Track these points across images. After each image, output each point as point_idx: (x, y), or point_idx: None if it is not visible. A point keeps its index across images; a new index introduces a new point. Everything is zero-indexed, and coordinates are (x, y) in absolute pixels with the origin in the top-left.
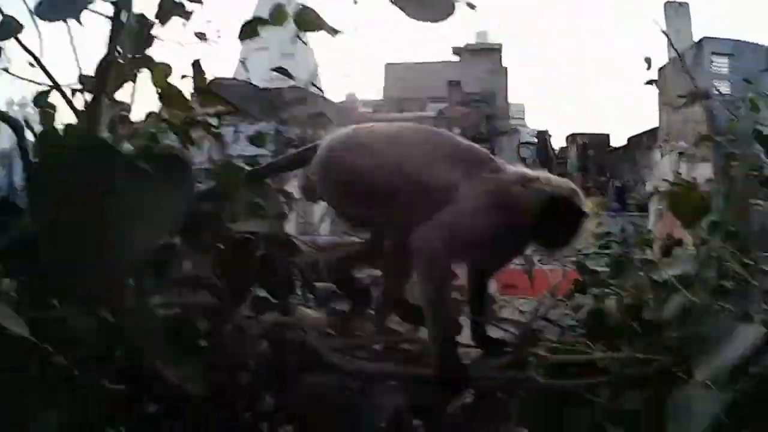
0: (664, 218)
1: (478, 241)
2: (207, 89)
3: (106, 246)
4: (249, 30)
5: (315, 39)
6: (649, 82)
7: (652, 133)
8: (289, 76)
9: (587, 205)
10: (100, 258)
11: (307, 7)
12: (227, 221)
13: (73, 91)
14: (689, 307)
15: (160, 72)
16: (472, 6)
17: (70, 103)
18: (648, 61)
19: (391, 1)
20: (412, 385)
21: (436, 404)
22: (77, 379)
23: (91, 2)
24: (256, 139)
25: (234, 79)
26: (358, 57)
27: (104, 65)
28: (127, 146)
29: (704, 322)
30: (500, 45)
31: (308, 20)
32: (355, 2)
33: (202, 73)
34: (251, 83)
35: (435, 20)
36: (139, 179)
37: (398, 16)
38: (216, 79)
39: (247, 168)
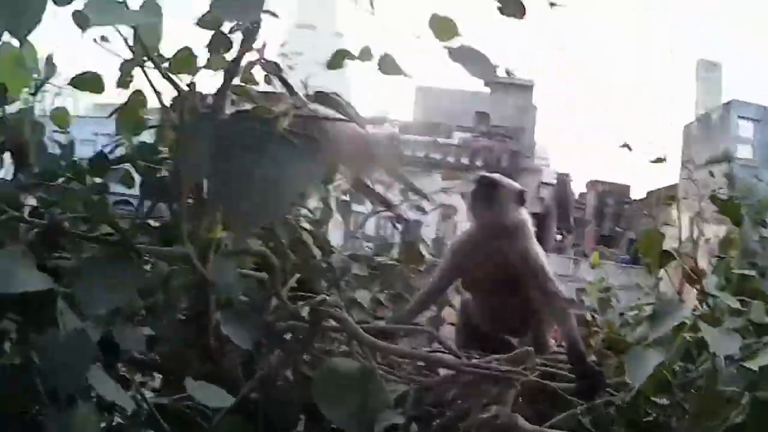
0: (673, 275)
1: None
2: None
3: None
4: (335, 61)
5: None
6: (657, 160)
7: (671, 189)
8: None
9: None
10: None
11: (389, 55)
12: None
13: None
14: None
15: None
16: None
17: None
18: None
19: (451, 59)
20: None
21: None
22: None
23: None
24: None
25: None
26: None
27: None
28: None
29: None
30: (532, 82)
31: (389, 64)
32: (418, 37)
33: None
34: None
35: (480, 77)
36: (285, 148)
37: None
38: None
39: None
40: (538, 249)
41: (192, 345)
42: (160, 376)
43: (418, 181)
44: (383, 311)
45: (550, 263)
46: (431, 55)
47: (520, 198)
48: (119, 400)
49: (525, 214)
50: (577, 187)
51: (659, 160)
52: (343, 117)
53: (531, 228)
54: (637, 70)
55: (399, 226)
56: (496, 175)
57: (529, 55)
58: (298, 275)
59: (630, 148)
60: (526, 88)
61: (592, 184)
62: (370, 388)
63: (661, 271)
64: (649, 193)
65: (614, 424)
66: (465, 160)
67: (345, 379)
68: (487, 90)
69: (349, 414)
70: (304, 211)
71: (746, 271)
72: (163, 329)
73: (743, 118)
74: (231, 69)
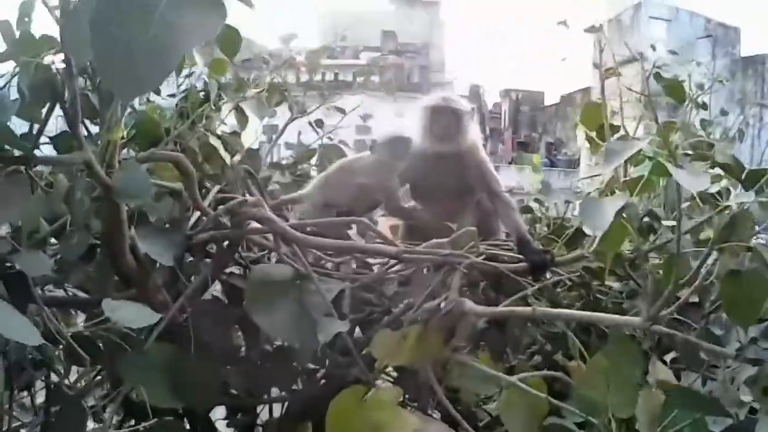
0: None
1: None
2: None
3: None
4: None
5: None
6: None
7: (585, 92)
8: None
9: None
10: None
11: None
12: None
13: None
14: None
15: None
16: None
17: None
18: (564, 23)
19: None
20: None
21: None
22: None
23: None
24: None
25: None
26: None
27: None
28: None
29: None
30: None
31: None
32: None
33: None
34: None
35: None
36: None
37: None
38: None
39: None
40: (486, 157)
41: (108, 268)
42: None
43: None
44: None
45: None
46: None
47: (473, 115)
48: (23, 335)
49: (476, 131)
50: (492, 98)
51: (593, 29)
52: None
53: (480, 139)
54: None
55: (320, 130)
56: (453, 101)
57: None
58: (218, 186)
59: (567, 26)
60: (433, 3)
61: (506, 93)
62: (305, 294)
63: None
64: (563, 98)
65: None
66: (375, 79)
67: (277, 285)
68: (392, 8)
69: (284, 323)
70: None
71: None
72: (71, 252)
73: (654, 18)
74: None
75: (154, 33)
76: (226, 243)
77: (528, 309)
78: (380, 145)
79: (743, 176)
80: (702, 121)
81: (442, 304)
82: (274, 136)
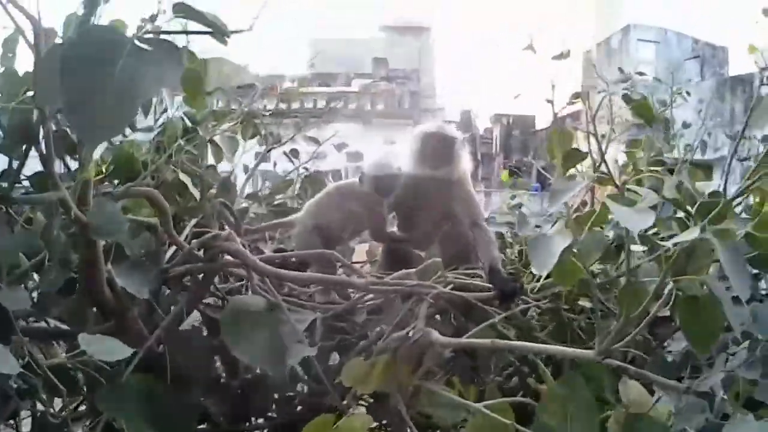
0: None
1: None
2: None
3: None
4: None
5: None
6: (560, 56)
7: (575, 115)
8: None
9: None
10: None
11: None
12: None
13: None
14: None
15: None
16: None
17: None
18: (530, 37)
19: None
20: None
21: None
22: None
23: None
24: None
25: None
26: (284, 30)
27: None
28: None
29: None
30: (429, 23)
31: None
32: None
33: None
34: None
35: None
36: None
37: None
38: None
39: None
40: (472, 188)
41: (86, 301)
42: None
43: (320, 131)
44: None
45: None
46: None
47: (465, 145)
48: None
49: (466, 158)
50: (483, 122)
51: (561, 56)
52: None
53: (469, 169)
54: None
55: (295, 160)
56: (447, 129)
57: None
58: (195, 219)
59: (534, 50)
60: (423, 29)
61: (497, 118)
62: (277, 323)
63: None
64: (554, 120)
65: (536, 330)
66: (367, 106)
67: (252, 316)
68: (383, 35)
69: (259, 351)
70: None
71: (656, 168)
72: (50, 286)
73: (643, 40)
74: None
75: (116, 82)
76: (201, 275)
77: (487, 341)
78: (367, 178)
79: (695, 209)
80: (665, 135)
81: (411, 333)
82: (250, 167)
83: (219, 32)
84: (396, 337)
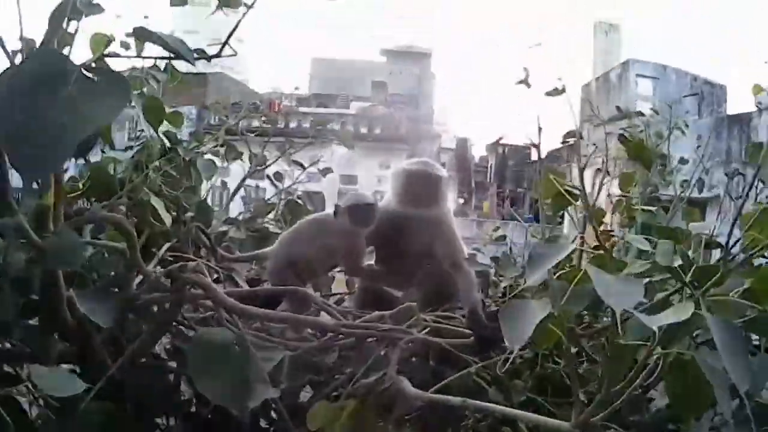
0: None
1: None
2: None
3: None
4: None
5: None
6: (554, 92)
7: (571, 148)
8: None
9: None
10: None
11: None
12: None
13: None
14: None
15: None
16: None
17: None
18: (526, 71)
19: None
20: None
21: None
22: None
23: None
24: (171, 119)
25: None
26: (284, 49)
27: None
28: None
29: None
30: (430, 50)
31: None
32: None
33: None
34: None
35: None
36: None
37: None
38: None
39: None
40: (457, 233)
41: (48, 326)
42: None
43: (316, 153)
44: None
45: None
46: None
47: (449, 183)
48: None
49: (451, 197)
50: (479, 151)
51: (555, 92)
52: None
53: (452, 209)
54: (534, 32)
55: (279, 184)
56: (433, 167)
57: (428, 22)
58: (169, 243)
59: (528, 85)
60: (424, 55)
61: (493, 147)
62: (243, 360)
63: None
64: (549, 154)
65: (515, 378)
66: (364, 130)
67: (218, 350)
68: (384, 59)
69: (221, 388)
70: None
71: (649, 207)
72: (8, 313)
73: (642, 76)
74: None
75: (57, 115)
76: (168, 305)
77: (458, 399)
78: (342, 209)
79: (689, 276)
80: (661, 171)
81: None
82: (230, 190)
83: (182, 57)
84: (365, 383)
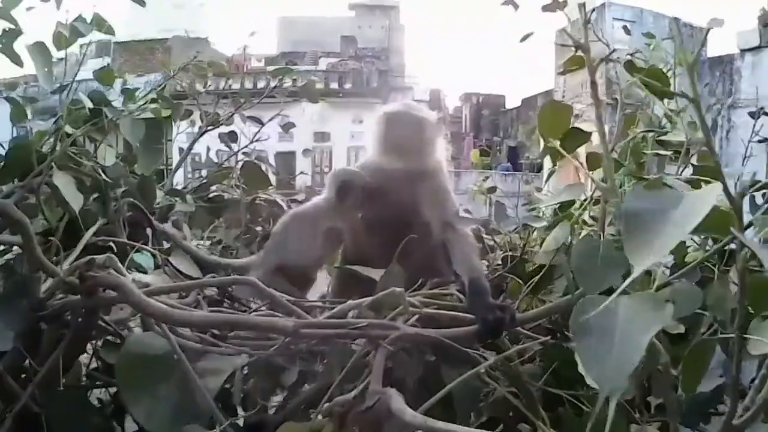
0: (558, 177)
1: None
2: None
3: None
4: None
5: None
6: (524, 38)
7: (547, 95)
8: None
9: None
10: None
11: None
12: None
13: None
14: None
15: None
16: None
17: None
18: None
19: None
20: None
21: None
22: None
23: None
24: (102, 77)
25: None
26: (251, 10)
27: None
28: None
29: None
30: (398, 2)
31: None
32: None
33: None
34: None
35: None
36: None
37: None
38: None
39: None
40: (450, 188)
41: None
42: None
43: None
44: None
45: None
46: None
47: (440, 128)
48: None
49: (442, 145)
50: (452, 102)
51: (526, 37)
52: None
53: (446, 158)
54: None
55: (233, 145)
56: (415, 108)
57: None
58: (92, 229)
59: (516, 6)
60: (392, 8)
61: (467, 97)
62: (187, 376)
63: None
64: (524, 101)
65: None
66: (334, 85)
67: (155, 365)
68: (352, 14)
69: (165, 417)
70: None
71: (660, 151)
72: None
73: (618, 20)
74: None
75: None
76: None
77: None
78: (328, 188)
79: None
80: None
81: (363, 395)
82: (178, 155)
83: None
84: (342, 400)
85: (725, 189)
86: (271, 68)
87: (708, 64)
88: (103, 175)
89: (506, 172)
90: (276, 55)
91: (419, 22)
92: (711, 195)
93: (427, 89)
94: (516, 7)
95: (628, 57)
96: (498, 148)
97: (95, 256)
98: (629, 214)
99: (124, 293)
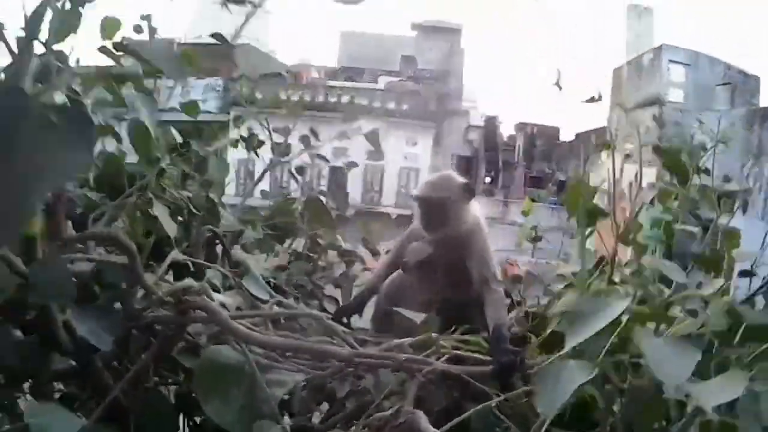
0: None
1: None
2: (118, 45)
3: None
4: None
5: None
6: (591, 99)
7: (600, 131)
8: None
9: None
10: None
11: None
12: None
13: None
14: None
15: (113, 25)
16: None
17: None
18: (558, 72)
19: None
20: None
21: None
22: None
23: None
24: (187, 109)
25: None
26: (314, 22)
27: (38, 12)
28: (60, 97)
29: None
30: (460, 26)
31: None
32: None
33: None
34: (168, 40)
35: None
36: (46, 128)
37: None
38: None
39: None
40: (488, 246)
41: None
42: None
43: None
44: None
45: (480, 207)
46: None
47: (468, 193)
48: None
49: (475, 208)
50: (507, 130)
51: (593, 99)
52: None
53: (483, 223)
54: (566, 15)
55: (300, 177)
56: (438, 188)
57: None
58: (174, 252)
59: (560, 87)
60: (454, 31)
61: (521, 126)
62: (254, 384)
63: None
64: (578, 135)
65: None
66: (392, 105)
67: (230, 372)
68: (413, 34)
69: (230, 412)
70: None
71: (689, 227)
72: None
73: (674, 62)
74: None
75: (16, 173)
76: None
77: None
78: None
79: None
80: (701, 188)
81: (399, 414)
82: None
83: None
84: (379, 416)
85: None
86: (331, 83)
87: (760, 114)
88: (190, 205)
89: (554, 206)
90: (336, 68)
91: (480, 47)
92: (618, 307)
93: (483, 115)
94: (560, 88)
95: (655, 143)
96: (552, 185)
97: (193, 283)
98: (576, 312)
99: (213, 315)
